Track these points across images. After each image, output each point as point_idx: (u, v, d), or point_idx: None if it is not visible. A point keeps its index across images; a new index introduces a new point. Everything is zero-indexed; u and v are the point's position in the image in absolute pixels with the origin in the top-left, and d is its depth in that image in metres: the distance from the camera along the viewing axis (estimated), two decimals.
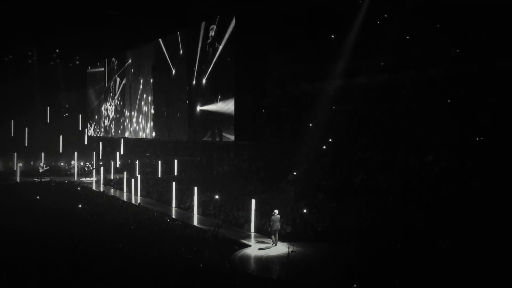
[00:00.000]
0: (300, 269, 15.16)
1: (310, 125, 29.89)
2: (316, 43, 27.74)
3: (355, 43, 25.83)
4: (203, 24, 31.14)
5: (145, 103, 39.58)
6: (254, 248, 17.79)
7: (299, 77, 31.03)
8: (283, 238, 18.25)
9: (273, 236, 17.88)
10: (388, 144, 24.56)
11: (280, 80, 31.65)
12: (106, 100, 47.41)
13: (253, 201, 20.15)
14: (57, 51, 47.01)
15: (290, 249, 16.57)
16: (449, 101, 23.67)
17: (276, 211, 18.07)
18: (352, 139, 26.92)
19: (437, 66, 24.15)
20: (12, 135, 46.05)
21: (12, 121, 46.21)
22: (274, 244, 17.78)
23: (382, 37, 24.38)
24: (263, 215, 20.69)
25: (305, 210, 20.52)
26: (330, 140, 28.18)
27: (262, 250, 17.45)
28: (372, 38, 24.93)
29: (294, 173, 26.19)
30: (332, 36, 28.03)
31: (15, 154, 39.68)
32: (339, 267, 15.19)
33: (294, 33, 27.12)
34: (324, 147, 27.98)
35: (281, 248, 17.27)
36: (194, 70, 32.55)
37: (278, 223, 17.98)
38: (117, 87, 44.90)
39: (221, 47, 29.76)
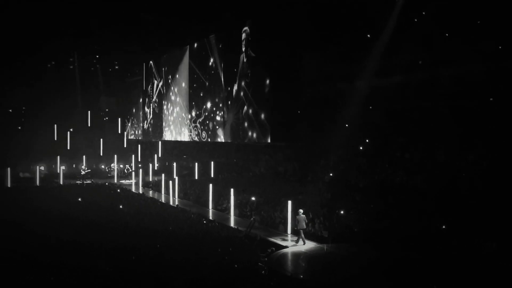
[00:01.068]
0: (332, 269, 15.01)
1: (346, 125, 29.52)
2: (350, 42, 27.37)
3: (390, 41, 25.35)
4: (239, 30, 31.34)
5: (181, 107, 40.15)
6: (290, 249, 17.75)
7: (334, 76, 30.66)
8: (320, 240, 18.14)
9: (300, 235, 18.21)
10: (427, 144, 23.97)
11: (314, 80, 31.38)
12: (144, 104, 48.37)
13: (289, 202, 20.09)
14: (97, 56, 48.33)
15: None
16: (491, 99, 22.89)
17: (301, 211, 18.53)
18: (390, 139, 26.42)
19: (476, 62, 23.38)
20: (55, 139, 47.59)
21: (55, 125, 47.77)
22: (302, 243, 18.09)
23: (420, 33, 23.82)
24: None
25: (342, 212, 20.29)
26: (367, 140, 27.74)
27: (298, 251, 17.40)
28: (409, 34, 24.39)
29: (331, 174, 25.94)
30: (368, 36, 27.60)
31: (58, 157, 40.93)
32: (373, 269, 14.91)
33: (328, 32, 26.85)
34: (361, 147, 27.57)
35: (314, 248, 17.20)
36: (230, 73, 32.82)
37: (303, 222, 18.40)
38: (154, 91, 45.73)
39: (253, 49, 29.89)
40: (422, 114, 25.66)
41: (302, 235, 18.26)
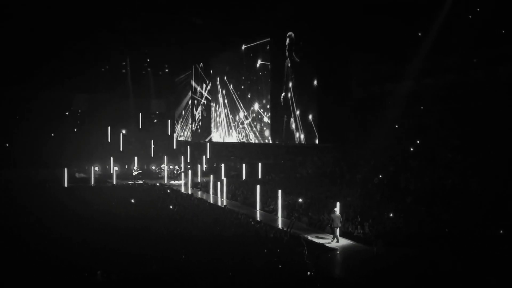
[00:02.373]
0: (381, 273, 14.75)
1: (396, 126, 28.90)
2: (400, 41, 26.79)
3: (442, 39, 24.61)
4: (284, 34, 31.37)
5: (229, 109, 40.59)
6: (339, 252, 17.59)
7: (384, 76, 30.09)
8: (368, 242, 17.88)
9: (335, 232, 18.69)
10: (482, 145, 23.06)
11: (363, 80, 30.92)
12: (193, 106, 49.27)
13: (337, 204, 19.88)
14: (148, 60, 49.71)
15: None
16: None
17: (336, 210, 18.93)
18: (442, 140, 25.62)
19: None
20: (109, 140, 49.29)
21: (109, 127, 49.49)
22: (336, 240, 18.54)
23: (473, 30, 22.99)
24: (348, 218, 20.34)
25: (391, 214, 19.87)
26: (418, 141, 27.02)
27: (348, 253, 17.24)
28: (461, 32, 23.60)
29: (380, 176, 25.45)
30: (419, 34, 26.92)
31: (111, 158, 42.31)
32: (425, 275, 14.50)
33: (377, 31, 26.41)
34: (412, 149, 26.88)
35: (362, 250, 16.97)
36: (277, 75, 32.89)
37: (338, 221, 18.72)
38: (203, 93, 46.49)
39: (299, 52, 29.82)
40: (477, 115, 24.75)
41: (337, 233, 18.63)
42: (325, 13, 27.37)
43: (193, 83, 48.89)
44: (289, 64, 31.31)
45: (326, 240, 18.83)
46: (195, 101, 48.64)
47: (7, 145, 45.31)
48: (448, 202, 20.09)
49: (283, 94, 32.13)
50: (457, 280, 13.63)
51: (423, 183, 23.05)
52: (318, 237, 19.37)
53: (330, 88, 28.75)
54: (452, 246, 16.27)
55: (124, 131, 49.80)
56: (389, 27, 26.05)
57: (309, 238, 19.05)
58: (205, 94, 46.05)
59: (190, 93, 49.86)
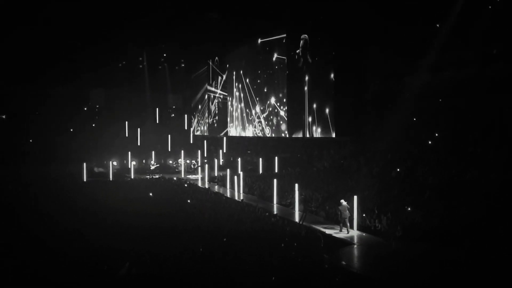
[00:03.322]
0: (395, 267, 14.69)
1: (414, 119, 28.61)
2: (417, 34, 26.45)
3: (461, 31, 24.22)
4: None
5: (245, 103, 40.63)
6: (357, 246, 17.56)
7: (401, 70, 29.74)
8: (386, 236, 17.81)
9: (341, 224, 19.21)
10: (503, 138, 22.70)
11: (379, 74, 30.64)
12: (209, 100, 49.44)
13: (355, 197, 19.84)
14: (164, 55, 49.95)
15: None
16: None
17: (343, 201, 19.29)
18: (461, 133, 25.29)
19: None
20: (127, 135, 49.76)
21: (127, 122, 49.94)
22: (346, 232, 18.94)
23: (491, 22, 22.58)
24: (366, 212, 20.27)
25: (409, 208, 19.73)
26: (436, 134, 26.71)
27: (364, 246, 17.22)
28: (480, 24, 23.19)
29: (398, 170, 25.25)
30: (438, 25, 26.53)
31: (129, 153, 42.69)
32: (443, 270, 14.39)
33: (394, 24, 26.13)
34: (430, 142, 26.59)
35: (380, 245, 16.91)
36: (294, 69, 32.79)
37: (347, 212, 19.05)
38: (219, 87, 46.59)
39: (316, 47, 29.66)
40: (497, 107, 24.36)
41: (347, 224, 19.04)
42: (341, 7, 27.17)
43: (210, 78, 49.02)
44: (304, 62, 31.21)
45: (335, 231, 19.22)
46: (211, 96, 48.78)
47: (30, 141, 46.05)
48: (467, 196, 19.85)
49: (300, 87, 32.02)
50: (476, 276, 13.48)
51: (441, 177, 22.81)
52: (327, 228, 19.64)
53: (347, 81, 28.55)
54: (472, 241, 16.09)
55: (141, 126, 50.10)
56: (407, 19, 25.76)
57: (321, 229, 19.31)
58: (221, 88, 46.15)
59: (206, 87, 50.02)
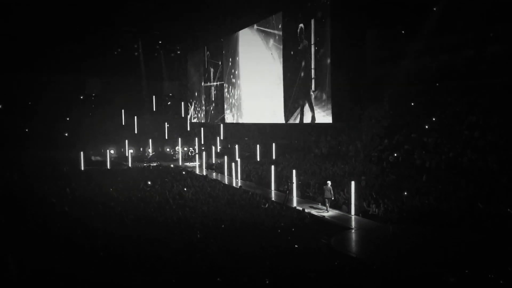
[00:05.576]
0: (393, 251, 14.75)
1: (412, 104, 28.57)
2: (415, 18, 26.28)
3: (458, 15, 24.06)
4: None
5: (242, 90, 40.44)
6: (355, 231, 17.61)
7: (400, 54, 29.59)
8: (384, 220, 17.86)
9: (326, 204, 20.37)
10: (501, 122, 22.68)
11: (379, 58, 30.46)
12: (206, 88, 49.19)
13: (353, 183, 19.88)
14: (160, 42, 49.54)
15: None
16: None
17: (329, 182, 20.64)
18: (459, 117, 25.25)
19: None
20: (123, 123, 49.57)
21: (123, 110, 49.71)
22: (326, 211, 20.15)
23: (493, 6, 22.43)
24: (364, 197, 20.32)
25: (406, 193, 19.77)
26: (433, 119, 26.69)
27: (363, 232, 17.26)
28: (477, 7, 23.03)
29: (395, 154, 25.26)
30: (434, 9, 26.35)
31: (126, 141, 42.50)
32: (443, 253, 14.45)
33: (393, 7, 25.92)
34: (427, 126, 26.57)
35: (378, 228, 16.96)
36: (291, 54, 32.57)
37: (329, 192, 20.27)
38: (216, 74, 46.33)
39: (315, 32, 29.42)
40: (495, 91, 24.31)
41: (327, 204, 20.26)
42: None
43: (206, 65, 48.71)
44: (301, 47, 30.98)
45: (320, 211, 20.35)
46: (208, 83, 48.53)
47: (26, 130, 45.81)
48: (465, 179, 19.89)
49: (297, 72, 31.83)
50: (474, 259, 13.54)
51: (439, 160, 22.83)
52: (312, 208, 20.92)
53: (345, 66, 28.37)
54: (470, 224, 16.15)
55: (138, 114, 49.87)
56: (404, 3, 25.58)
57: (306, 210, 20.24)
58: (218, 75, 45.88)
59: (203, 75, 49.73)
